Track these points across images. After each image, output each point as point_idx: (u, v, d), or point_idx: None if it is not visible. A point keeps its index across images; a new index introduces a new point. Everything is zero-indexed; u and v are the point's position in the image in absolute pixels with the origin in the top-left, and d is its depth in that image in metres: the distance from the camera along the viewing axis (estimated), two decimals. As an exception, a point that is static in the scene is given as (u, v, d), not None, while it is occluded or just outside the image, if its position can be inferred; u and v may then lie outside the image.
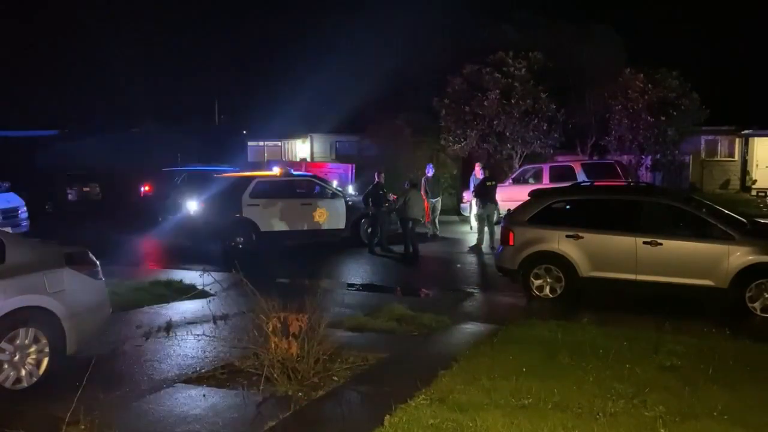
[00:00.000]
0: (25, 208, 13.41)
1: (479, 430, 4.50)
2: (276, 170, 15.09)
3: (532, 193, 10.34)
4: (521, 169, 20.14)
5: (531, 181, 18.83)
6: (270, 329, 5.66)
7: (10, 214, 12.76)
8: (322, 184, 15.25)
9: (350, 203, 14.90)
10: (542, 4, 25.11)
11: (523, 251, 9.44)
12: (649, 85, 22.33)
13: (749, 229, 8.87)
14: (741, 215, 9.78)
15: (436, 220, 16.43)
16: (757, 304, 8.32)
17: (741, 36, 28.75)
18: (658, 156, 23.42)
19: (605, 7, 24.35)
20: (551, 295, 9.30)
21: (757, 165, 26.05)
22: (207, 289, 8.57)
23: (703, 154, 26.57)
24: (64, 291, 5.69)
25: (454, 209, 20.68)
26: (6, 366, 5.29)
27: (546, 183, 17.96)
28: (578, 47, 22.54)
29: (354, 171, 22.76)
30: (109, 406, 4.98)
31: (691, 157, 25.71)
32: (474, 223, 15.80)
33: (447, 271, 12.50)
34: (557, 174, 18.25)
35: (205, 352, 6.52)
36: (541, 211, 9.59)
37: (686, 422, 4.65)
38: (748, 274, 8.31)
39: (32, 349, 5.47)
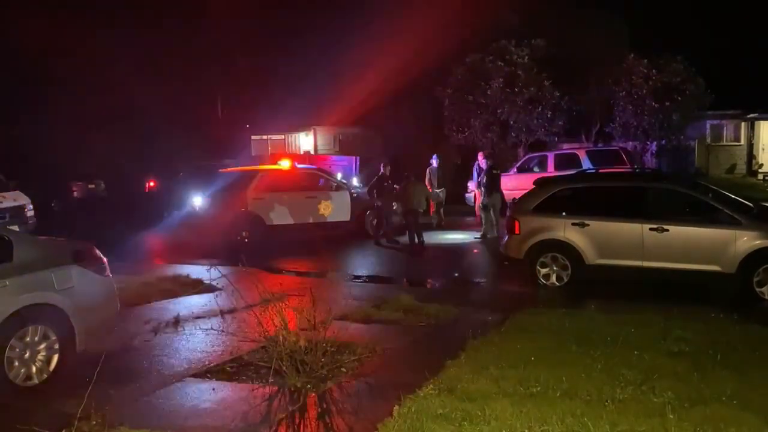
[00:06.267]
0: (31, 206, 13.44)
1: (488, 419, 4.51)
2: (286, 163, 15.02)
3: (537, 182, 10.33)
4: (526, 158, 20.08)
5: (536, 169, 18.77)
6: (278, 322, 5.69)
7: (17, 212, 12.78)
8: (327, 176, 15.22)
9: (355, 195, 14.89)
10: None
11: (529, 240, 9.43)
12: (653, 71, 22.21)
13: (756, 214, 8.83)
14: (747, 199, 9.73)
15: (441, 211, 16.42)
16: (764, 289, 8.28)
17: (745, 19, 28.48)
18: (663, 142, 23.32)
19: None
20: (558, 284, 9.30)
21: (763, 149, 25.90)
22: (214, 283, 8.60)
23: (708, 139, 26.41)
24: (72, 288, 5.72)
25: (458, 199, 20.63)
26: (17, 363, 5.32)
27: (551, 171, 17.92)
28: (581, 33, 22.41)
29: (358, 163, 22.72)
30: (119, 402, 5.02)
31: (696, 142, 25.59)
32: (479, 212, 15.78)
33: (452, 261, 12.50)
34: (562, 162, 18.20)
35: (213, 346, 6.56)
36: (546, 200, 9.57)
37: (695, 408, 4.65)
38: (755, 258, 8.28)
39: (42, 346, 5.50)
